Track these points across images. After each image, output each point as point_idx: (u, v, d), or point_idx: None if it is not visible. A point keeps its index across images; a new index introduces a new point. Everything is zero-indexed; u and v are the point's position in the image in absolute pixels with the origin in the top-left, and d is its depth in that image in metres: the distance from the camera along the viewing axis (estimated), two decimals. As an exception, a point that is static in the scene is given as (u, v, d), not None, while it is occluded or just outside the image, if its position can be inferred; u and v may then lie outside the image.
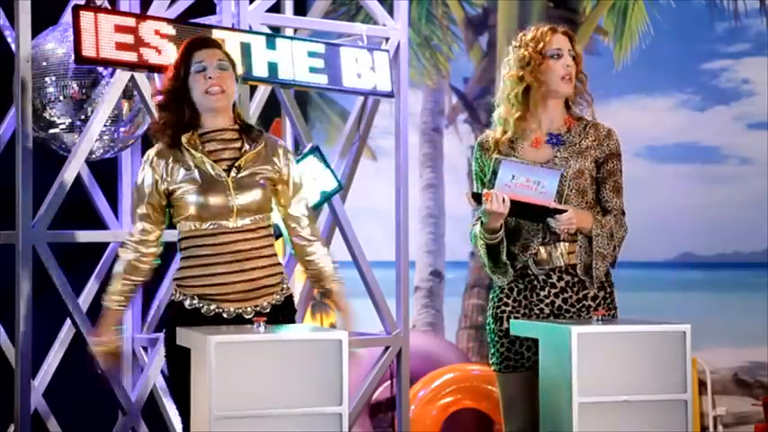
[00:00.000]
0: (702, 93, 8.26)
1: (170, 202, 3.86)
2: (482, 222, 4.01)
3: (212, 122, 3.87)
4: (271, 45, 5.16)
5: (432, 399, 6.99)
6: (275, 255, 3.92)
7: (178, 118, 3.85)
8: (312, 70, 5.28)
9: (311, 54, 5.28)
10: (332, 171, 5.39)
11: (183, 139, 3.83)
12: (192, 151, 3.82)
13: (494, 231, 4.00)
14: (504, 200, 3.91)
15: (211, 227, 3.80)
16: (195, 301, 3.80)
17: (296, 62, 5.22)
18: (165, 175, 3.83)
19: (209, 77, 3.82)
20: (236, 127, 3.90)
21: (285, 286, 3.93)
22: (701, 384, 7.46)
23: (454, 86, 8.47)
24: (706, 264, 8.15)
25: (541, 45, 4.09)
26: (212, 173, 3.81)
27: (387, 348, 5.65)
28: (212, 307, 3.80)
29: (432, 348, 7.50)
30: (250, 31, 5.17)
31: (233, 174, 3.82)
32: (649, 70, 8.20)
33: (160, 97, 3.93)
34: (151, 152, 3.89)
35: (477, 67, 8.48)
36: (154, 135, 3.92)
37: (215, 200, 3.79)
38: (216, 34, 4.94)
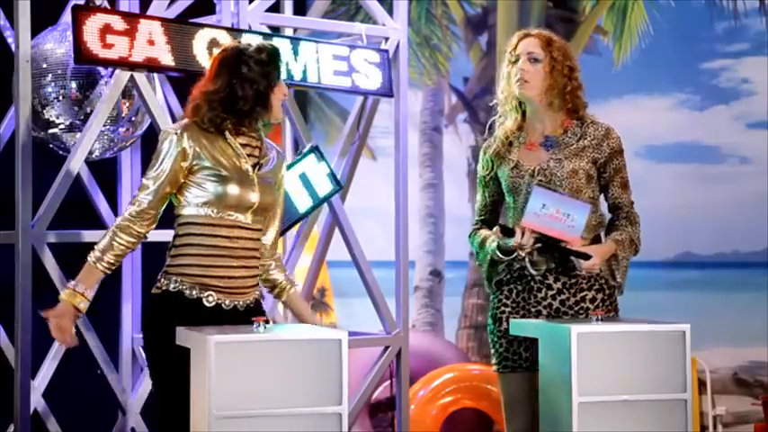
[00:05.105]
0: (702, 92, 8.26)
1: (182, 184, 3.80)
2: (499, 245, 4.03)
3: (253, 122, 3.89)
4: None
5: (431, 398, 6.99)
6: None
7: (240, 105, 3.80)
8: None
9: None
10: (331, 171, 5.39)
11: (226, 125, 3.81)
12: (231, 139, 3.82)
13: (509, 253, 4.02)
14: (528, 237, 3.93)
15: (227, 217, 3.79)
16: (196, 292, 3.78)
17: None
18: (191, 154, 3.77)
19: (285, 95, 3.90)
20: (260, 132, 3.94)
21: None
22: (701, 384, 7.46)
23: (454, 86, 8.47)
24: (705, 263, 8.14)
25: (511, 54, 4.12)
26: (242, 165, 3.82)
27: (386, 348, 5.64)
28: (213, 298, 3.78)
29: (431, 348, 7.50)
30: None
31: (256, 171, 3.85)
32: (649, 70, 8.20)
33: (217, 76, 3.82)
34: (177, 127, 3.81)
35: (477, 66, 8.48)
36: (196, 106, 3.80)
37: (238, 192, 3.79)
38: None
